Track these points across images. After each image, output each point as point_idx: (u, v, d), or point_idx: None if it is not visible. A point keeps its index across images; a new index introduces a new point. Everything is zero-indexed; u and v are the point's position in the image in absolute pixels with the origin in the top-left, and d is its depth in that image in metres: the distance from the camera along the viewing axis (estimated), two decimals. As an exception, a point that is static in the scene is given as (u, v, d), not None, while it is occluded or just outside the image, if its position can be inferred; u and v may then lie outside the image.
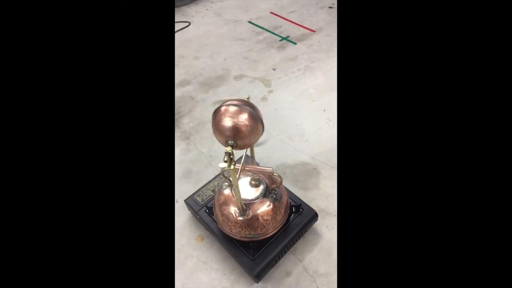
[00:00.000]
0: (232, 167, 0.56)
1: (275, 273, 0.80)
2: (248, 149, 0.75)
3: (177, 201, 0.98)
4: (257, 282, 0.77)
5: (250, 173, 0.80)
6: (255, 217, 0.74)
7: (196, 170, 1.07)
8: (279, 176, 0.69)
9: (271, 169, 0.68)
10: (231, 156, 0.56)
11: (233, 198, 0.76)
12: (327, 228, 0.88)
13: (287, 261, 0.83)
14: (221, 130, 0.59)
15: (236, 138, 0.58)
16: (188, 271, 0.83)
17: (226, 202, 0.77)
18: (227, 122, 0.58)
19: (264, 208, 0.75)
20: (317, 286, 0.78)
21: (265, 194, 0.76)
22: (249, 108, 0.58)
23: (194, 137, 1.19)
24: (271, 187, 0.75)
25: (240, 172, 0.66)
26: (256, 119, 0.59)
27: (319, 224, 0.88)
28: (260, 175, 0.79)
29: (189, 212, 0.94)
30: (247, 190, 0.76)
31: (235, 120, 0.57)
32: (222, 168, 0.56)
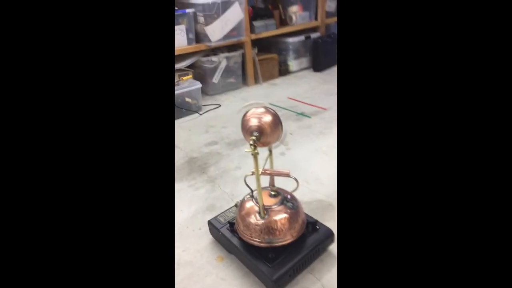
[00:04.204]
0: (256, 151, 0.69)
1: (294, 289, 0.80)
2: (268, 162, 0.88)
3: (200, 229, 1.05)
4: (275, 292, 0.77)
5: (269, 187, 0.89)
6: (274, 221, 0.80)
7: (219, 205, 1.16)
8: (296, 179, 0.79)
9: (288, 171, 0.79)
10: (256, 143, 0.70)
11: (254, 207, 0.84)
12: (344, 252, 0.90)
13: (306, 280, 0.83)
14: (247, 128, 0.74)
15: (260, 133, 0.73)
16: (207, 286, 0.84)
17: (247, 212, 0.85)
18: (253, 121, 0.74)
19: (282, 214, 0.82)
20: (337, 302, 0.76)
21: (282, 203, 0.84)
22: (272, 111, 0.75)
23: (219, 180, 1.32)
24: (289, 192, 0.84)
25: (258, 175, 0.78)
26: (277, 120, 0.74)
27: (336, 248, 0.91)
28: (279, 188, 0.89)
29: (210, 236, 0.99)
30: (267, 199, 0.85)
31: (260, 119, 0.73)
32: (247, 151, 0.69)
